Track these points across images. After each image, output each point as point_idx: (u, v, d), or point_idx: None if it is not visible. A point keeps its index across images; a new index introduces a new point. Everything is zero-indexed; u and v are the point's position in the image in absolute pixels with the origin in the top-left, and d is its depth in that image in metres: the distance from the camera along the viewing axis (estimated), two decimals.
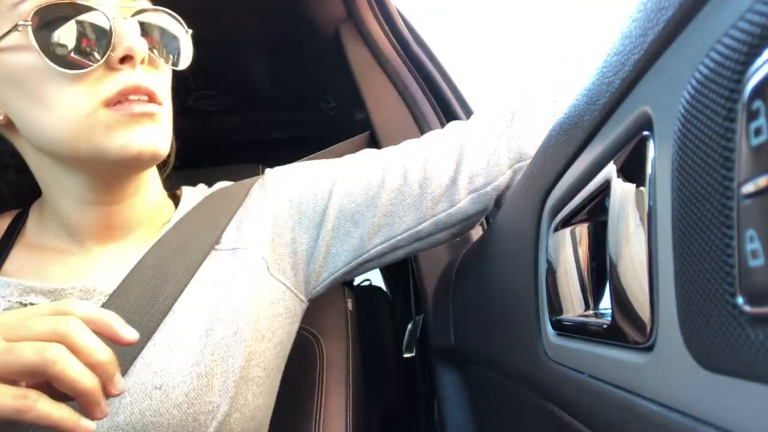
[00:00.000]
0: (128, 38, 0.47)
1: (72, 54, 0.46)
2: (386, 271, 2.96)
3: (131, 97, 0.48)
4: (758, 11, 0.16)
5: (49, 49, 0.46)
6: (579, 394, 0.31)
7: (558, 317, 0.35)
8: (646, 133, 0.23)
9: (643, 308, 0.23)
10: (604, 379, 0.28)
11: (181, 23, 0.55)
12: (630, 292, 0.25)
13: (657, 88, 0.22)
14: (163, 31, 0.52)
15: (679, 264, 0.20)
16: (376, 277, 2.88)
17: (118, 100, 0.48)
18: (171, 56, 0.53)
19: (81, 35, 0.46)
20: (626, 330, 0.25)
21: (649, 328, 0.23)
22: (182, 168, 0.88)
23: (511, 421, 0.56)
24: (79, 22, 0.46)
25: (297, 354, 0.91)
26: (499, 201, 0.63)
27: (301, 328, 0.96)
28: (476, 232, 0.86)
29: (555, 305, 0.36)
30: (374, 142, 0.96)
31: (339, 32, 1.02)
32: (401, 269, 2.59)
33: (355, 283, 2.19)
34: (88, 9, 0.47)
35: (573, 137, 0.33)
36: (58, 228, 0.57)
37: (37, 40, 0.45)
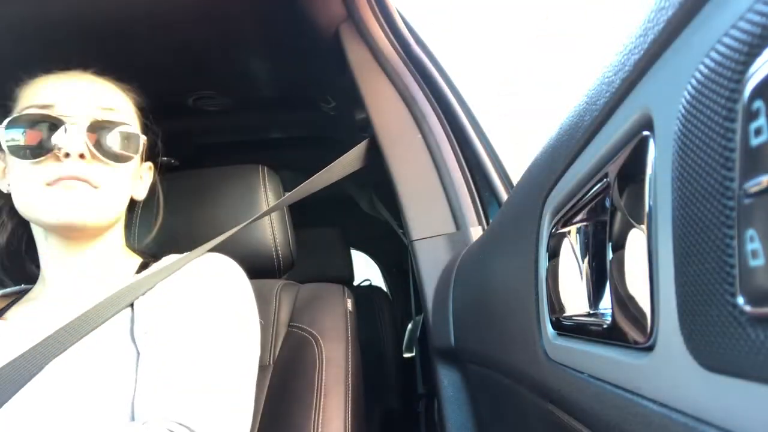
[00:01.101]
0: (71, 142, 0.66)
1: (31, 148, 0.66)
2: (386, 272, 2.97)
3: (66, 182, 0.65)
4: (758, 11, 0.16)
5: (17, 147, 0.67)
6: (579, 394, 0.31)
7: (558, 317, 0.35)
8: (646, 133, 0.23)
9: (643, 308, 0.23)
10: (604, 379, 0.28)
11: (134, 133, 0.73)
12: (630, 292, 0.25)
13: (657, 88, 0.22)
14: (114, 137, 0.70)
15: (679, 264, 0.20)
16: (376, 277, 2.89)
17: (56, 182, 0.65)
18: (117, 156, 0.70)
19: (39, 136, 0.66)
20: (626, 330, 0.25)
21: (649, 328, 0.23)
22: (182, 168, 0.88)
23: (511, 421, 0.56)
24: (40, 127, 0.67)
25: (296, 354, 0.91)
26: None
27: (300, 329, 0.96)
28: (476, 232, 0.86)
29: (555, 305, 0.36)
30: (374, 143, 0.96)
31: (339, 32, 1.02)
32: (401, 269, 2.59)
33: (355, 283, 2.20)
34: (49, 118, 0.67)
35: (573, 137, 0.33)
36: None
37: (5, 138, 0.67)
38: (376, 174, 0.97)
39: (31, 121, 0.67)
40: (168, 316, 0.63)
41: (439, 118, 0.95)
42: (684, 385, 0.20)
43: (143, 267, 0.76)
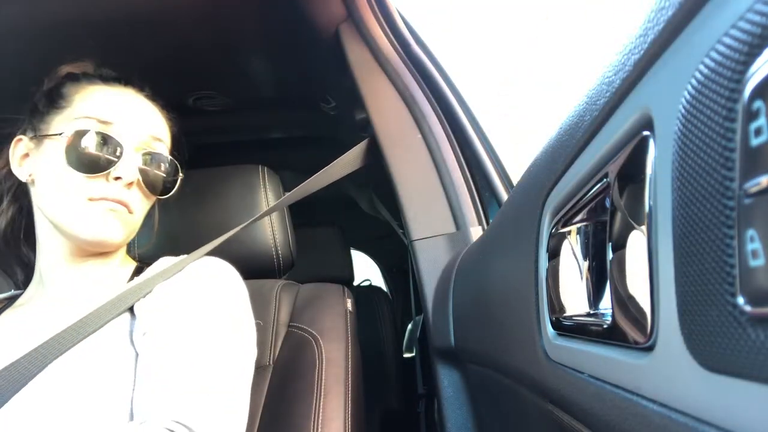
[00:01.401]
0: (126, 167, 0.68)
1: (87, 162, 0.67)
2: (386, 272, 2.97)
3: (108, 203, 0.68)
4: (758, 11, 0.16)
5: (72, 156, 0.67)
6: (579, 394, 0.31)
7: (558, 317, 0.35)
8: (646, 133, 0.23)
9: (643, 308, 0.23)
10: (604, 379, 0.28)
11: (177, 167, 0.77)
12: (630, 292, 0.25)
13: (657, 88, 0.22)
14: (159, 169, 0.74)
15: (679, 264, 0.20)
16: (376, 277, 2.89)
17: (99, 200, 0.68)
18: (156, 188, 0.74)
19: (98, 152, 0.68)
20: (626, 330, 0.25)
21: (649, 328, 0.23)
22: (182, 168, 0.88)
23: (511, 421, 0.56)
24: (100, 143, 0.68)
25: (296, 354, 0.91)
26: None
27: (300, 329, 0.96)
28: (476, 232, 0.86)
29: (555, 305, 0.36)
30: (374, 143, 0.96)
31: (339, 32, 1.02)
32: (401, 269, 2.59)
33: (355, 283, 2.20)
34: (111, 139, 0.69)
35: (573, 137, 0.33)
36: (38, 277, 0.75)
37: (67, 149, 0.67)
38: (376, 174, 0.97)
39: (99, 137, 0.68)
40: (166, 318, 0.64)
41: (439, 118, 0.95)
42: (684, 385, 0.20)
43: (138, 271, 0.77)
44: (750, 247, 0.16)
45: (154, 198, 0.75)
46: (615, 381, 0.26)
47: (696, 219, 0.19)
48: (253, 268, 1.02)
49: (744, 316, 0.16)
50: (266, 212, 0.92)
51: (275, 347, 0.92)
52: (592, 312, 0.30)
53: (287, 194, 0.94)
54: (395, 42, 1.01)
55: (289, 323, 0.94)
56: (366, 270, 2.85)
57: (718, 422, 0.18)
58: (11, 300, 0.77)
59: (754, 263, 0.16)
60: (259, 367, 0.92)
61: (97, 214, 0.67)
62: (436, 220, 0.88)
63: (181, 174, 0.78)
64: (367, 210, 1.87)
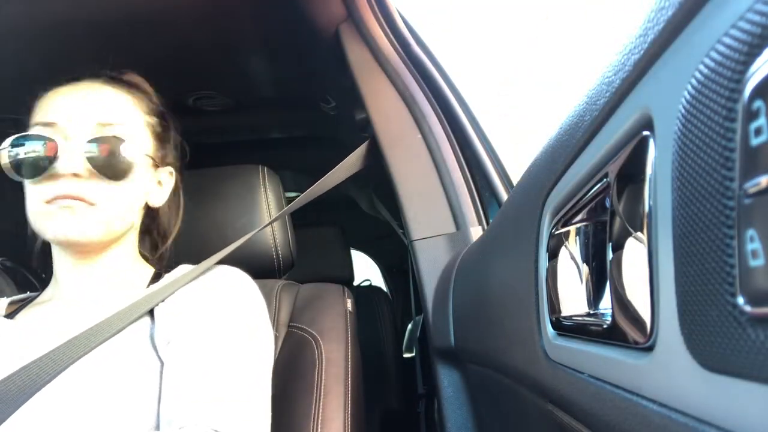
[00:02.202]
0: (64, 161, 0.67)
1: (29, 167, 0.68)
2: (386, 272, 2.97)
3: (61, 201, 0.67)
4: (758, 11, 0.16)
5: (16, 166, 0.68)
6: (579, 394, 0.31)
7: (558, 317, 0.35)
8: (646, 133, 0.23)
9: (643, 308, 0.23)
10: (604, 379, 0.28)
11: (130, 149, 0.72)
12: (630, 292, 0.25)
13: (657, 88, 0.22)
14: (111, 153, 0.70)
15: (679, 264, 0.20)
16: (376, 277, 2.89)
17: (53, 200, 0.67)
18: (114, 173, 0.70)
19: (36, 156, 0.68)
20: (626, 330, 0.25)
21: (649, 328, 0.23)
22: (182, 168, 0.88)
23: (511, 421, 0.56)
24: (37, 146, 0.68)
25: (296, 354, 0.91)
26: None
27: (300, 329, 0.96)
28: (476, 232, 0.86)
29: (555, 305, 0.36)
30: (374, 143, 0.96)
31: (339, 32, 1.02)
32: (401, 269, 2.59)
33: (355, 283, 2.20)
34: (44, 138, 0.68)
35: (573, 137, 0.33)
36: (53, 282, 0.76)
37: (11, 162, 0.68)
38: (376, 174, 0.97)
39: (31, 140, 0.68)
40: (189, 327, 0.66)
41: (439, 118, 0.95)
42: (684, 385, 0.20)
43: (156, 277, 0.77)
44: (750, 247, 0.16)
45: (122, 183, 0.71)
46: (615, 381, 0.26)
47: (696, 219, 0.19)
48: (253, 268, 1.02)
49: (744, 316, 0.16)
50: (273, 220, 0.93)
51: (275, 347, 0.92)
52: (592, 312, 0.30)
53: (292, 203, 0.95)
54: (395, 42, 1.01)
55: (289, 323, 0.94)
56: (366, 270, 2.85)
57: (718, 422, 0.18)
58: (29, 299, 0.78)
59: (754, 263, 0.16)
60: None
61: (53, 215, 0.67)
62: (436, 220, 0.88)
63: (142, 154, 0.74)
64: (367, 210, 1.87)
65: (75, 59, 0.78)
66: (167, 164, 0.81)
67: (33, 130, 0.70)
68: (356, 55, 1.00)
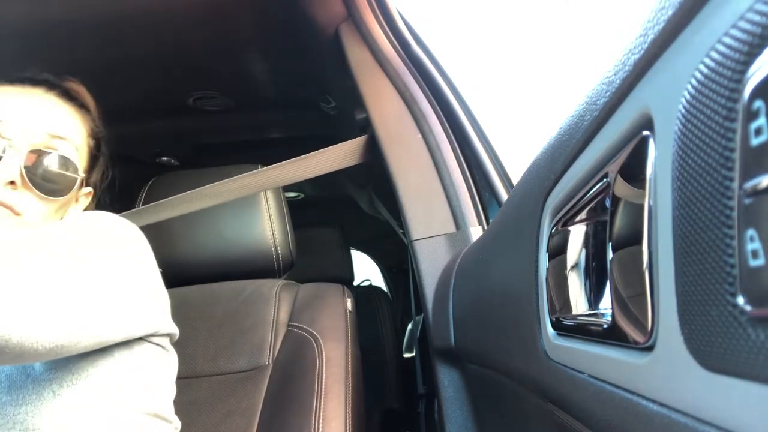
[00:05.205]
0: (4, 167, 0.63)
1: None
2: (386, 272, 2.97)
3: None
4: (758, 11, 0.16)
5: None
6: (579, 394, 0.31)
7: (558, 317, 0.35)
8: (646, 133, 0.23)
9: (643, 308, 0.23)
10: (604, 379, 0.28)
11: (72, 168, 0.70)
12: (630, 292, 0.25)
13: (657, 88, 0.22)
14: (51, 169, 0.68)
15: (679, 264, 0.20)
16: (376, 277, 2.89)
17: None
18: (46, 189, 0.67)
19: None
20: (626, 330, 0.25)
21: (649, 328, 0.23)
22: (182, 168, 0.88)
23: (511, 421, 0.56)
24: None
25: (296, 353, 0.91)
26: None
27: (300, 328, 0.96)
28: (476, 232, 0.86)
29: (555, 305, 0.36)
30: (374, 143, 0.96)
31: (339, 32, 1.02)
32: (401, 269, 2.59)
33: (355, 283, 2.20)
34: None
35: (573, 137, 0.33)
36: None
37: None
38: (376, 174, 0.97)
39: None
40: None
41: (439, 118, 0.96)
42: (684, 385, 0.20)
43: None
44: (750, 247, 0.16)
45: (54, 201, 0.69)
46: (615, 381, 0.26)
47: (696, 219, 0.19)
48: (253, 268, 1.02)
49: (744, 316, 0.16)
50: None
51: (275, 347, 0.92)
52: (592, 312, 0.30)
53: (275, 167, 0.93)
54: (395, 42, 1.01)
55: (288, 323, 0.94)
56: (366, 270, 2.85)
57: (718, 422, 0.18)
58: None
59: (754, 263, 0.16)
60: (259, 367, 0.92)
61: None
62: (436, 220, 0.89)
63: (79, 175, 0.72)
64: (367, 210, 1.87)
65: (74, 59, 0.78)
66: (89, 185, 0.79)
67: None
68: (356, 55, 1.00)
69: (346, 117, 1.22)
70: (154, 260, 0.71)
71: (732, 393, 0.17)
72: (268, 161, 1.04)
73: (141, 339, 0.67)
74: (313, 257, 1.84)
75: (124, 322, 0.61)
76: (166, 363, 0.72)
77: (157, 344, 0.70)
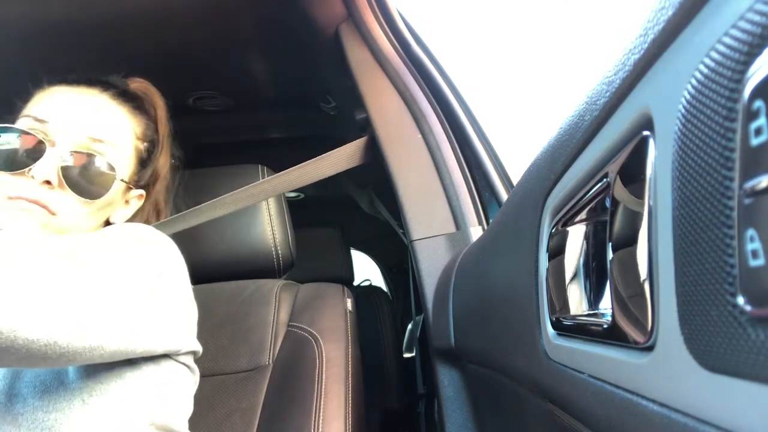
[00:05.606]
0: (42, 166, 0.65)
1: (9, 160, 0.66)
2: (386, 272, 2.97)
3: (23, 203, 0.64)
4: (758, 11, 0.16)
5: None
6: (579, 394, 0.31)
7: (558, 317, 0.35)
8: (646, 133, 0.23)
9: (643, 308, 0.23)
10: (604, 379, 0.28)
11: (109, 173, 0.71)
12: (630, 292, 0.25)
13: (657, 88, 0.22)
14: (87, 171, 0.69)
15: (679, 264, 0.20)
16: (376, 277, 2.89)
17: (16, 198, 0.64)
18: (83, 191, 0.68)
19: (20, 150, 0.66)
20: (626, 330, 0.25)
21: (649, 328, 0.23)
22: (182, 168, 0.88)
23: (511, 421, 0.56)
24: (24, 141, 0.67)
25: (296, 353, 0.91)
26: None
27: (300, 328, 0.96)
28: (476, 232, 0.86)
29: (555, 305, 0.36)
30: (374, 143, 0.96)
31: (339, 32, 1.02)
32: (401, 269, 2.59)
33: (355, 283, 2.20)
34: (32, 136, 0.67)
35: (573, 137, 0.33)
36: None
37: None
38: (376, 174, 0.97)
39: (18, 133, 0.67)
40: None
41: (439, 118, 0.96)
42: (684, 385, 0.20)
43: None
44: (750, 247, 0.16)
45: (91, 202, 0.69)
46: (615, 381, 0.26)
47: (696, 219, 0.19)
48: (253, 268, 1.02)
49: (744, 316, 0.16)
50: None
51: (275, 347, 0.93)
52: (592, 312, 0.30)
53: (280, 176, 0.93)
54: (395, 42, 1.01)
55: (288, 323, 0.94)
56: (366, 270, 2.85)
57: (718, 422, 0.18)
58: None
59: (754, 263, 0.16)
60: (259, 367, 0.92)
61: (10, 213, 0.64)
62: (436, 220, 0.89)
63: (119, 178, 0.72)
64: (367, 210, 1.87)
65: (74, 59, 0.78)
66: (140, 187, 0.79)
67: (23, 122, 0.68)
68: (356, 55, 1.00)
69: (346, 117, 1.22)
70: (184, 275, 0.70)
71: (732, 393, 0.17)
72: (268, 161, 1.04)
73: (168, 357, 0.67)
74: (313, 257, 1.84)
75: (131, 327, 0.59)
76: (191, 382, 0.72)
77: (183, 363, 0.69)
